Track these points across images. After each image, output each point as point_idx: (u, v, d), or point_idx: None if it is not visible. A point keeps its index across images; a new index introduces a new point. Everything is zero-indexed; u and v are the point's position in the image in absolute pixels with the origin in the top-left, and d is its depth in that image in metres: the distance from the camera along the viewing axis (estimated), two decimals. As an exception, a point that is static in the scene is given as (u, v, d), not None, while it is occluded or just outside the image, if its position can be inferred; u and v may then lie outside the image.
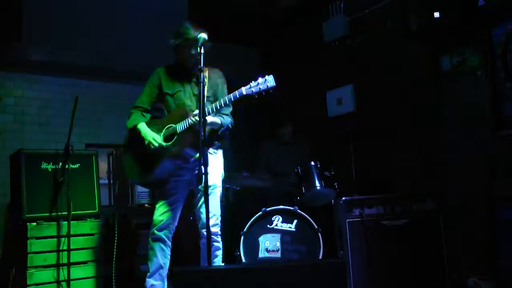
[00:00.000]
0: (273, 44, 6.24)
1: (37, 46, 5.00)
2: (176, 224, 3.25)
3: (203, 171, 2.52)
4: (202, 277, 2.28)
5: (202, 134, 2.59)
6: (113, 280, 3.76)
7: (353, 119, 4.97)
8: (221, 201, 3.34)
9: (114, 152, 5.33)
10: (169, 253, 3.23)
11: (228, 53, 5.89)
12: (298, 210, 3.88)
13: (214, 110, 2.93)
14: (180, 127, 3.03)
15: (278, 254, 3.81)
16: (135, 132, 3.21)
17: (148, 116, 3.28)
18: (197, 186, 3.16)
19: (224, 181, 3.47)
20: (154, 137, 3.10)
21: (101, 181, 4.19)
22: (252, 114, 5.50)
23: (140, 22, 5.40)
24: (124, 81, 5.58)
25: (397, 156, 4.50)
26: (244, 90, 2.82)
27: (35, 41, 4.95)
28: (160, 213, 3.18)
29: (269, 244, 3.83)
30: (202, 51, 2.78)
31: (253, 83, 2.80)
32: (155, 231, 3.16)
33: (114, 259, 3.77)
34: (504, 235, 3.54)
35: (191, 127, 2.98)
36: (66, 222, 3.65)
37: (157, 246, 3.17)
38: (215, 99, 3.19)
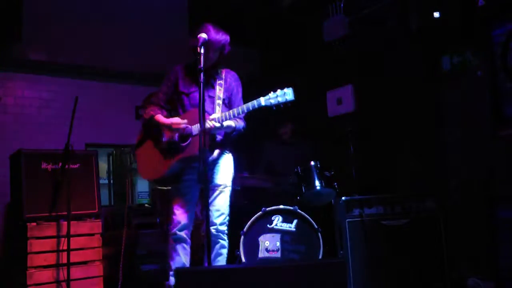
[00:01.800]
0: (273, 44, 6.24)
1: (37, 46, 5.00)
2: (193, 223, 3.26)
3: (201, 170, 2.53)
4: (202, 277, 2.28)
5: (202, 131, 2.62)
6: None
7: (353, 119, 4.96)
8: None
9: (114, 152, 5.34)
10: (189, 250, 3.25)
11: (228, 53, 5.88)
12: (298, 210, 3.87)
13: (232, 116, 2.95)
14: (195, 129, 3.04)
15: (278, 254, 3.81)
16: (152, 123, 3.21)
17: (164, 113, 3.28)
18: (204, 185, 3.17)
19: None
20: (174, 120, 3.10)
21: (101, 181, 4.19)
22: (252, 114, 5.49)
23: (140, 22, 5.40)
24: (124, 81, 5.58)
25: (397, 156, 4.50)
26: (263, 100, 2.81)
27: (35, 41, 4.95)
28: (180, 213, 3.19)
29: (269, 244, 3.83)
30: (202, 51, 2.79)
31: (272, 95, 2.78)
32: (177, 232, 3.18)
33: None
34: (504, 235, 3.54)
35: (205, 130, 2.98)
36: (66, 222, 3.65)
37: (179, 246, 3.19)
38: (229, 102, 3.22)
